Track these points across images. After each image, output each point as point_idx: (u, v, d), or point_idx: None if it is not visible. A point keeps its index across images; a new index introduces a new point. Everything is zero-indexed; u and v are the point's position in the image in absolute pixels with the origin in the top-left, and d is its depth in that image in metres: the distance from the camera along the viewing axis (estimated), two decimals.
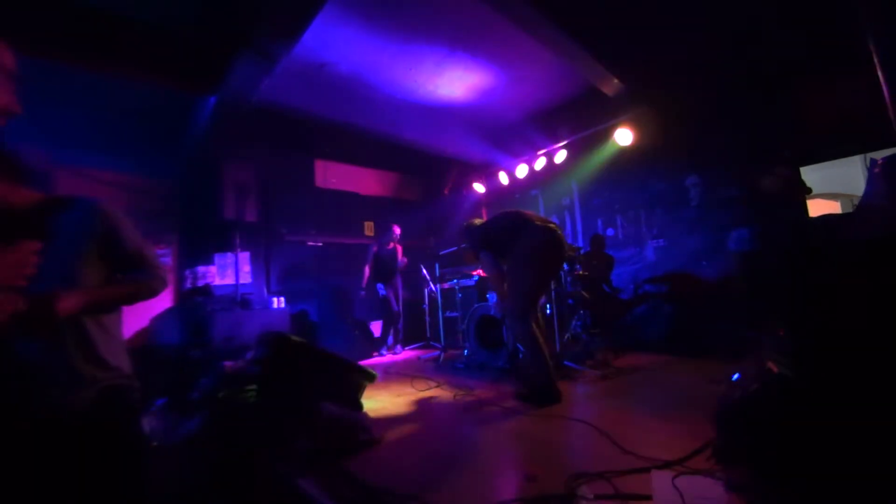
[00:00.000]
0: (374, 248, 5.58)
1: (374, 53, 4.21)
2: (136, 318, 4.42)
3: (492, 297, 3.79)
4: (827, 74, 3.75)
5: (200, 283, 4.61)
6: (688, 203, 4.80)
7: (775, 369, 1.40)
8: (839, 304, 1.06)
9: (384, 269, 5.54)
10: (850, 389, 1.05)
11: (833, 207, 6.56)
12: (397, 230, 5.66)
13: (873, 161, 1.05)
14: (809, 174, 4.15)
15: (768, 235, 3.66)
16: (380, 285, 5.50)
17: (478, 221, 3.17)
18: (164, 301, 4.63)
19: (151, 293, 1.19)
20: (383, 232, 5.79)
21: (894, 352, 1.04)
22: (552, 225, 2.76)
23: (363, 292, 5.46)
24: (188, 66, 3.95)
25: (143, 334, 4.44)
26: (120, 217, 1.17)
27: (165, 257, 4.90)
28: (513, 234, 2.72)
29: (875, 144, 3.58)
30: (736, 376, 1.66)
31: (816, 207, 5.75)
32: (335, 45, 4.02)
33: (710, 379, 2.73)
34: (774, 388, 1.16)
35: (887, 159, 1.04)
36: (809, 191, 4.08)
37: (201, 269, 4.67)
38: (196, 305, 4.23)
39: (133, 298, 1.16)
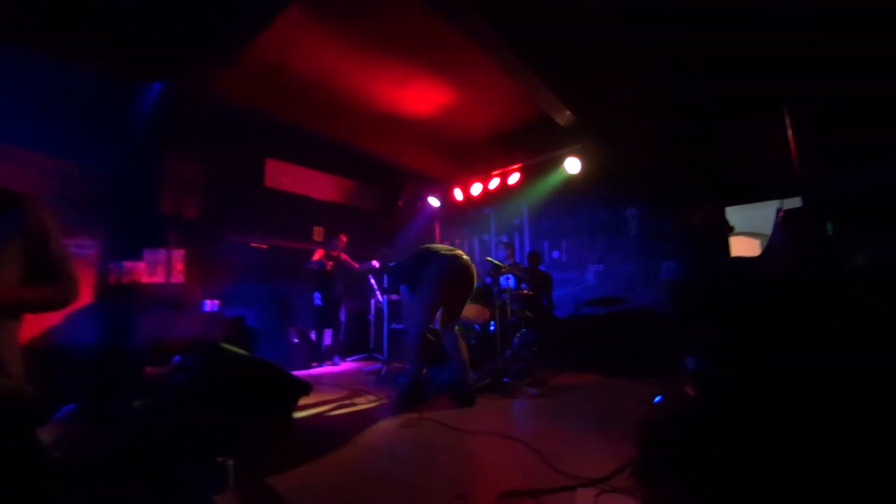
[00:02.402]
0: (320, 252, 5.42)
1: (338, 60, 4.17)
2: (48, 313, 3.97)
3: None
4: (749, 127, 4.19)
5: (126, 280, 4.26)
6: (627, 232, 5.12)
7: (691, 393, 1.52)
8: (741, 334, 1.17)
9: (324, 278, 5.37)
10: (752, 409, 1.16)
11: (753, 245, 7.18)
12: (343, 239, 5.54)
13: (777, 211, 1.19)
14: (733, 214, 4.58)
15: (694, 268, 3.98)
16: (317, 294, 5.31)
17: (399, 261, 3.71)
18: (83, 296, 4.22)
19: (63, 304, 1.18)
20: (330, 239, 5.64)
21: (791, 376, 1.16)
22: (459, 252, 3.31)
23: (319, 262, 5.28)
24: (135, 51, 3.70)
25: (52, 332, 4.01)
26: (52, 219, 1.13)
27: (89, 248, 4.47)
28: (422, 264, 3.27)
29: (788, 192, 4.02)
30: (658, 399, 1.78)
31: (738, 244, 6.29)
32: (297, 46, 3.94)
33: (639, 400, 2.88)
34: (687, 410, 1.25)
35: (786, 212, 1.18)
36: (732, 229, 4.50)
37: (128, 264, 4.32)
38: (118, 303, 3.90)
39: (44, 307, 1.14)
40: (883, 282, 1.21)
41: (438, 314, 3.31)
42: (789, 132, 2.02)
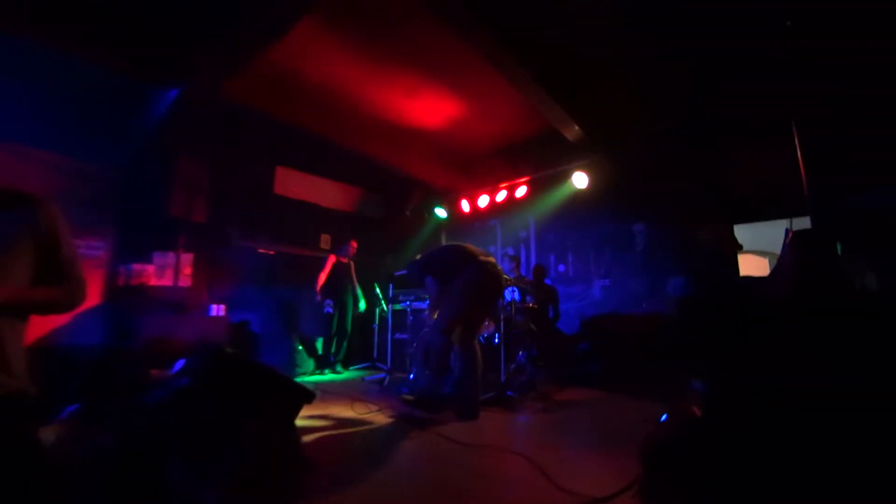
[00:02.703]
0: (332, 259, 5.45)
1: (349, 68, 4.24)
2: (55, 314, 4.00)
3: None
4: (756, 145, 4.18)
5: (134, 282, 4.30)
6: (633, 248, 5.10)
7: (698, 413, 1.50)
8: (747, 355, 1.16)
9: (335, 284, 5.39)
10: (756, 432, 1.14)
11: (762, 263, 7.05)
12: (354, 245, 5.57)
13: (787, 232, 1.18)
14: (743, 232, 4.56)
15: (701, 285, 3.96)
16: (328, 301, 5.33)
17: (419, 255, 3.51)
18: (91, 297, 4.25)
19: (70, 307, 1.18)
20: (341, 245, 5.67)
21: (795, 401, 1.15)
22: (493, 260, 3.14)
23: (318, 297, 5.29)
24: (148, 52, 3.78)
25: (59, 332, 4.03)
26: (63, 221, 1.15)
27: (98, 250, 4.53)
28: (458, 265, 3.07)
29: (796, 211, 3.99)
30: (664, 417, 1.75)
31: (747, 262, 6.21)
32: (309, 54, 4.01)
33: (644, 417, 2.83)
34: (694, 429, 1.24)
35: (795, 233, 1.17)
36: (741, 247, 4.47)
37: (137, 266, 4.36)
38: (126, 305, 3.93)
39: (51, 308, 1.14)
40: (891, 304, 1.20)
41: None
42: (798, 150, 2.02)
